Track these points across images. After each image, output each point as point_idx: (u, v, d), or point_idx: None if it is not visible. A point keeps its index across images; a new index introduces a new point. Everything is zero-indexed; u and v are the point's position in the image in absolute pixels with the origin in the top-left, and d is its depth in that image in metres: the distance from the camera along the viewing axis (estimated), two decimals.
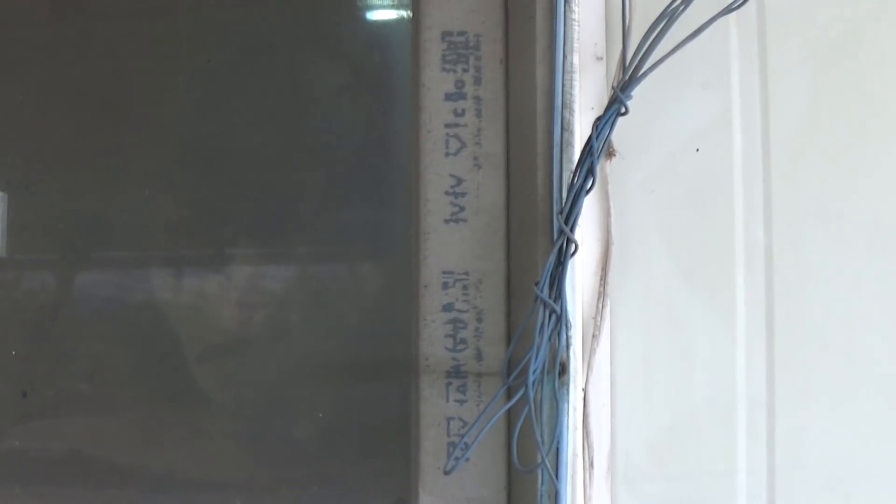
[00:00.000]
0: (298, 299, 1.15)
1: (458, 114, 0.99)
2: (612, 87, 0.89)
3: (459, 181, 0.98)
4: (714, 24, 0.87)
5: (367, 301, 1.13)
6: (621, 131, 0.90)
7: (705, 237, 0.94)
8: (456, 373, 0.97)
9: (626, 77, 0.87)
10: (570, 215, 0.86)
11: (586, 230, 0.94)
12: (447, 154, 0.98)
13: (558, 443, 0.87)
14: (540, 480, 0.89)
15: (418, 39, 1.00)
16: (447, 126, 0.99)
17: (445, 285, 0.98)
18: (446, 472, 0.90)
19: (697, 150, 0.95)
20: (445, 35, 0.99)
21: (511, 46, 0.99)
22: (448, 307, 0.97)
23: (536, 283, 0.87)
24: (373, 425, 1.10)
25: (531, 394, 0.85)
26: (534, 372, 0.85)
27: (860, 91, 0.93)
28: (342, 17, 1.17)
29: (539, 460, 0.86)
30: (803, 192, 0.93)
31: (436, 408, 0.97)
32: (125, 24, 1.21)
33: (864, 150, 0.92)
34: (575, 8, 0.92)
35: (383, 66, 1.15)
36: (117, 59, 1.20)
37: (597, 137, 0.87)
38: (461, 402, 0.97)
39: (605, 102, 0.89)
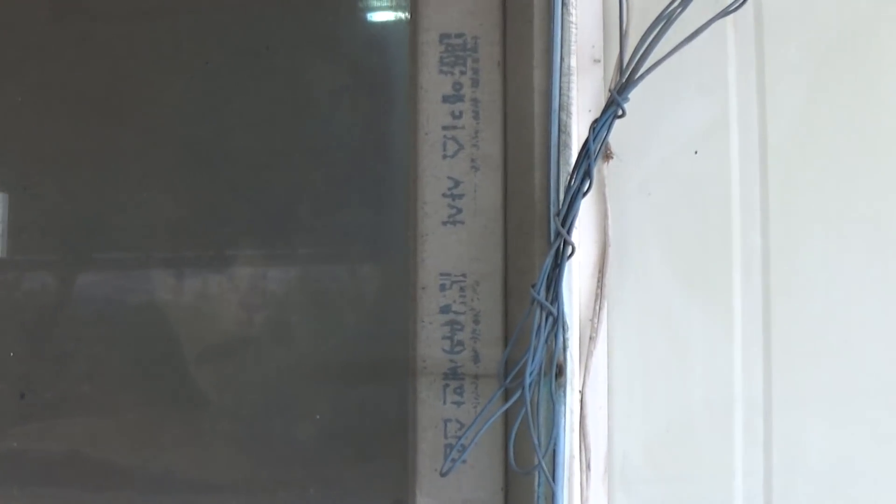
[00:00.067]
0: (296, 301, 1.15)
1: (456, 116, 0.99)
2: (610, 90, 0.89)
3: (457, 183, 0.98)
4: (711, 27, 0.87)
5: (365, 303, 1.13)
6: (618, 134, 0.90)
7: (703, 239, 0.94)
8: (453, 374, 0.97)
9: (624, 79, 0.87)
10: (568, 217, 0.86)
11: (583, 232, 0.94)
12: (444, 156, 0.98)
13: (555, 445, 0.87)
14: (537, 482, 0.89)
15: (416, 41, 1.00)
16: (445, 128, 0.99)
17: (443, 287, 0.98)
18: (443, 474, 0.90)
19: (696, 152, 0.95)
20: (443, 37, 1.00)
21: (509, 49, 0.99)
22: (445, 309, 0.98)
23: (533, 286, 0.87)
24: (370, 427, 1.10)
25: (528, 396, 0.85)
26: (530, 374, 0.85)
27: (857, 93, 0.93)
28: (340, 19, 1.17)
29: (536, 462, 0.86)
30: (800, 194, 0.93)
31: (433, 409, 0.97)
32: (124, 26, 1.21)
33: (861, 152, 0.92)
34: (572, 10, 0.92)
35: (381, 68, 1.15)
36: (116, 60, 1.20)
37: (594, 140, 0.87)
38: (458, 403, 0.97)
39: (603, 105, 0.89)
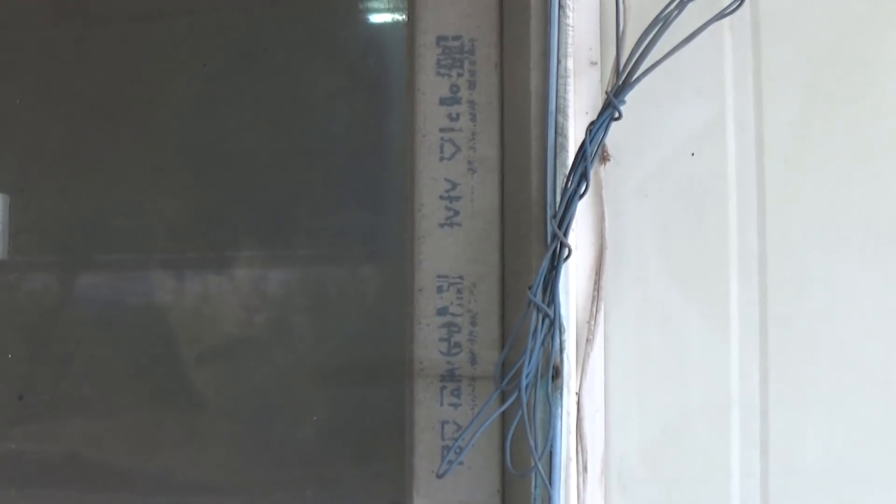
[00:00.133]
0: (294, 302, 1.15)
1: (453, 118, 0.99)
2: (606, 92, 0.89)
3: (454, 185, 0.98)
4: (708, 29, 0.87)
5: (362, 304, 1.13)
6: (615, 136, 0.90)
7: (699, 241, 0.94)
8: (450, 376, 0.97)
9: (620, 82, 0.87)
10: (564, 219, 0.86)
11: (580, 234, 0.94)
12: (442, 158, 0.99)
13: (552, 447, 0.88)
14: (533, 484, 0.89)
15: (413, 44, 1.00)
16: (442, 130, 0.99)
17: (440, 289, 0.98)
18: (440, 476, 0.90)
19: (692, 154, 0.95)
20: (440, 39, 1.00)
21: (506, 51, 0.99)
22: (442, 311, 0.98)
23: (530, 288, 0.87)
24: (367, 429, 1.10)
25: (525, 398, 0.85)
26: (527, 376, 0.85)
27: (854, 95, 0.93)
28: (338, 21, 1.17)
29: (532, 464, 0.86)
30: (797, 196, 0.93)
31: (430, 411, 0.97)
32: (123, 28, 1.21)
33: (858, 154, 0.92)
34: (569, 13, 0.92)
35: (378, 70, 1.15)
36: (115, 62, 1.20)
37: (591, 142, 0.87)
38: (455, 405, 0.97)
39: (600, 107, 0.89)
